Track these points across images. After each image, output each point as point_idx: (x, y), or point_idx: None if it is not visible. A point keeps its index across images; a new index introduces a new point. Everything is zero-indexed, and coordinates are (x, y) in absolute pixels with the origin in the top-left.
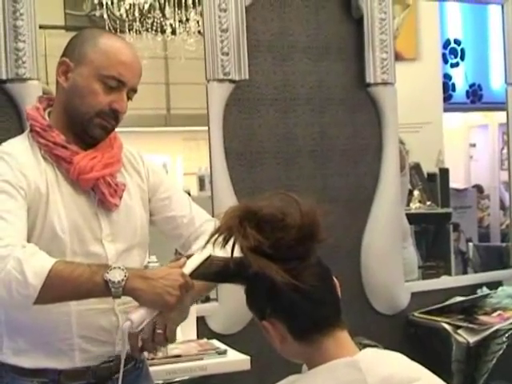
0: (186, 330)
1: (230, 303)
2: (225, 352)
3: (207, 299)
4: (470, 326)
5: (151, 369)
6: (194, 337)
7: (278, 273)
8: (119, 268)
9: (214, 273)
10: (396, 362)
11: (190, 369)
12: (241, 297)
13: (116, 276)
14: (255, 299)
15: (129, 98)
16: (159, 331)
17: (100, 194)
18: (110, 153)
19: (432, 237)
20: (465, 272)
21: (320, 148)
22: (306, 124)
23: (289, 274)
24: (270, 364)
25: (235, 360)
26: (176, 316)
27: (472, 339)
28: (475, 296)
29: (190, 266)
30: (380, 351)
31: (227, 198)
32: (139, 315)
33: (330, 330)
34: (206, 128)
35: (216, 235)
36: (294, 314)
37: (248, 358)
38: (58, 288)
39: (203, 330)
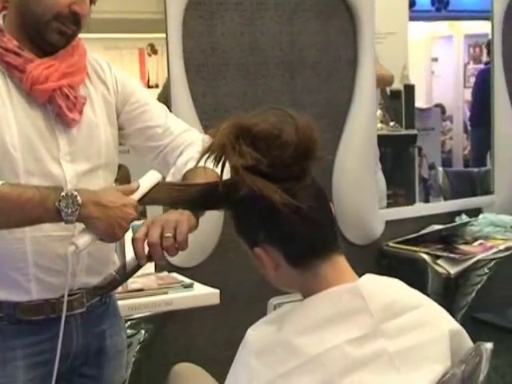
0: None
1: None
2: (191, 285)
3: None
4: (451, 255)
5: None
6: (152, 270)
7: (276, 193)
8: (72, 194)
9: (195, 197)
10: (396, 289)
11: (154, 304)
12: (203, 224)
13: (69, 204)
14: (247, 224)
15: (92, 2)
16: (168, 234)
17: (57, 108)
18: (70, 61)
19: (392, 161)
20: (427, 201)
21: (289, 60)
22: (273, 33)
23: (287, 194)
24: (238, 297)
25: (203, 294)
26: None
27: (453, 270)
28: (454, 224)
29: (142, 191)
30: (379, 277)
31: (187, 116)
32: (85, 240)
33: (328, 254)
34: (132, 35)
35: (207, 153)
36: (290, 237)
37: (217, 291)
38: (4, 213)
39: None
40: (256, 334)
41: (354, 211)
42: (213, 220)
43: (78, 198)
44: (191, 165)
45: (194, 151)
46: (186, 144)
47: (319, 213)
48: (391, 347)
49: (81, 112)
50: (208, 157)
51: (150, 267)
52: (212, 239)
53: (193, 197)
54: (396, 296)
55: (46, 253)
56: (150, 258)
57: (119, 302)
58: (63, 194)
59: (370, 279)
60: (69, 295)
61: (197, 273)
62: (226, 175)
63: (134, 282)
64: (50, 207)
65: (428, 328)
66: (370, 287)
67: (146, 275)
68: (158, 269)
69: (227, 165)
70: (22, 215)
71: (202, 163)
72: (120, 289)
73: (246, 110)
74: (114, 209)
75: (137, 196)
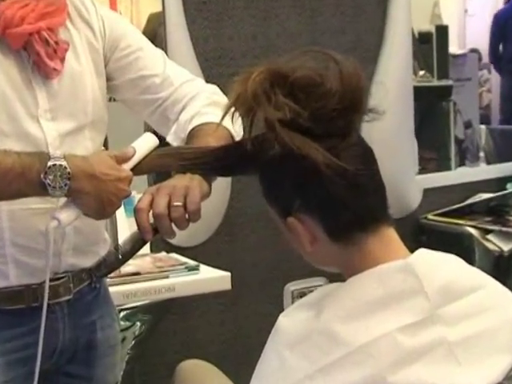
0: None
1: None
2: (197, 268)
3: None
4: (504, 229)
5: None
6: (148, 250)
7: (318, 151)
8: (60, 166)
9: (215, 159)
10: (455, 267)
11: (154, 290)
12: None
13: (57, 177)
14: (279, 189)
15: None
16: (177, 203)
17: (34, 56)
18: None
19: (422, 119)
20: (462, 166)
21: None
22: None
23: (330, 154)
24: (248, 282)
25: (211, 277)
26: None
27: (506, 246)
28: (506, 192)
29: (137, 158)
30: (434, 253)
31: (185, 64)
32: (69, 215)
33: (375, 225)
34: None
35: (235, 106)
36: (332, 205)
37: (228, 274)
38: None
39: (157, 241)
40: (289, 321)
41: (385, 177)
42: (218, 189)
43: (68, 169)
44: (197, 121)
45: (199, 105)
46: (190, 96)
47: (367, 177)
48: (451, 336)
49: (63, 60)
50: (235, 110)
51: (144, 246)
52: (218, 212)
53: (212, 159)
54: (455, 275)
55: (25, 229)
56: (156, 232)
57: (111, 289)
58: (50, 164)
59: (424, 255)
60: (53, 279)
61: (200, 253)
62: (235, 136)
63: (126, 265)
64: (33, 180)
65: (492, 313)
66: (424, 265)
67: (141, 256)
68: (153, 248)
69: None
70: (0, 188)
71: (210, 119)
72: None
73: (255, 56)
74: (108, 183)
75: (130, 165)
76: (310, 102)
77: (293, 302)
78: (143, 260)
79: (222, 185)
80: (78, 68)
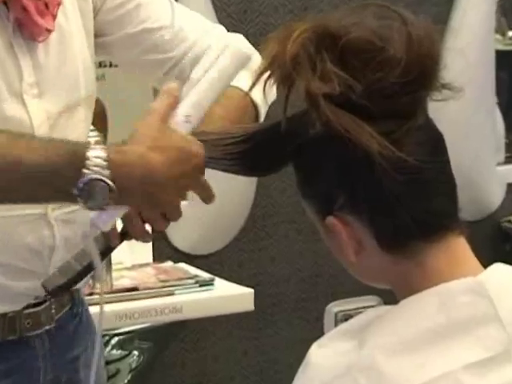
0: (135, 248)
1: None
2: (211, 282)
3: None
4: None
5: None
6: (150, 259)
7: (372, 138)
8: (99, 181)
9: (238, 144)
10: None
11: (156, 310)
12: (224, 191)
13: (94, 195)
14: (319, 182)
15: None
16: None
17: (18, 12)
18: None
19: (509, 93)
20: None
21: None
22: None
23: (387, 140)
24: (277, 301)
25: (230, 295)
26: None
27: None
28: None
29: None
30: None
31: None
32: (109, 218)
33: (441, 234)
34: None
35: (268, 71)
36: (386, 205)
37: (251, 291)
38: None
39: (162, 247)
40: (324, 352)
41: (458, 169)
42: (240, 183)
43: (112, 186)
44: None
45: (210, 59)
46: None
47: (433, 171)
48: None
49: (55, 17)
50: (268, 77)
51: (146, 254)
52: (239, 211)
53: (232, 147)
54: None
55: (8, 241)
56: (124, 236)
57: (97, 308)
58: (87, 177)
59: (501, 271)
60: (33, 305)
61: (215, 264)
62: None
63: (121, 278)
64: (62, 189)
65: None
66: (500, 284)
67: (140, 266)
68: (156, 256)
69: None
70: (16, 189)
71: (235, 82)
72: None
73: (290, 11)
74: (179, 179)
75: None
76: (366, 73)
77: (336, 327)
78: (143, 271)
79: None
80: (67, 27)
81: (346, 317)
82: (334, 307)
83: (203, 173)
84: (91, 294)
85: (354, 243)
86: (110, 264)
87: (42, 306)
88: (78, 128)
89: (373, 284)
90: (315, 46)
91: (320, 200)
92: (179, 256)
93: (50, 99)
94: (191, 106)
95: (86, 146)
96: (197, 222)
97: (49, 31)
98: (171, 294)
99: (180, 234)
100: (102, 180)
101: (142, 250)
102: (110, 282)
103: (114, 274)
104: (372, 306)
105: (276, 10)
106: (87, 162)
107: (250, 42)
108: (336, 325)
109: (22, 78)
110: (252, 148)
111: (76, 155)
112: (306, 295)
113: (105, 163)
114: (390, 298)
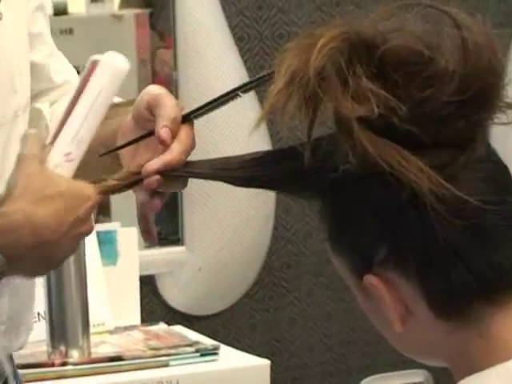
0: (119, 306)
1: (209, 248)
2: (215, 351)
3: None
4: None
5: None
6: (137, 320)
7: (423, 172)
8: None
9: (254, 169)
10: None
11: None
12: (233, 229)
13: None
14: (354, 230)
15: None
16: None
17: None
18: None
19: None
20: None
21: None
22: None
23: (440, 176)
24: (299, 374)
25: (239, 368)
26: None
27: None
28: None
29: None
30: None
31: (206, 19)
32: None
33: (509, 294)
34: None
35: (287, 90)
36: (440, 258)
37: (267, 362)
38: None
39: (152, 305)
40: None
41: None
42: (252, 227)
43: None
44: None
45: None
46: None
47: (500, 215)
48: None
49: None
50: (288, 98)
51: (132, 314)
52: (252, 261)
53: (246, 171)
54: None
55: None
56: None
57: (70, 382)
58: None
59: None
60: None
61: (221, 327)
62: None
63: (101, 343)
64: None
65: None
66: None
67: (125, 329)
68: (146, 317)
69: None
70: None
71: None
72: (76, 356)
73: (318, 8)
74: (62, 238)
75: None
76: (411, 90)
77: None
78: (129, 336)
79: (258, 215)
80: (6, 12)
81: None
82: (371, 383)
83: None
84: (64, 363)
85: (399, 308)
86: (87, 325)
87: None
88: (16, 144)
89: (422, 360)
90: (346, 57)
91: (355, 254)
92: (174, 317)
93: None
94: (69, 141)
95: None
96: (197, 274)
97: None
98: (165, 365)
99: (175, 288)
100: None
101: (128, 309)
102: (88, 348)
103: (93, 339)
104: (418, 383)
105: (300, 6)
106: None
107: (265, 45)
108: None
109: None
110: (260, 178)
111: None
112: (334, 368)
113: None
114: (441, 372)
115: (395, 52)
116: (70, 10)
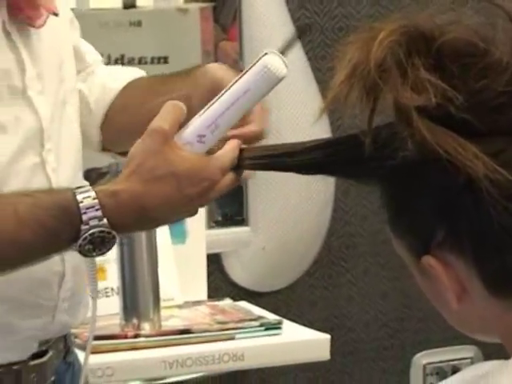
0: (187, 282)
1: (272, 229)
2: (278, 325)
3: (227, 219)
4: None
5: (128, 356)
6: (204, 296)
7: (478, 158)
8: (100, 232)
9: (314, 157)
10: None
11: (212, 357)
12: (295, 212)
13: (96, 245)
14: (413, 213)
15: None
16: None
17: None
18: None
19: None
20: None
21: None
22: None
23: (495, 162)
24: (355, 349)
25: (301, 341)
26: None
27: None
28: None
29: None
30: None
31: (270, 11)
32: None
33: None
34: None
35: (349, 81)
36: (495, 240)
37: (326, 337)
38: None
39: (218, 282)
40: None
41: None
42: (312, 210)
43: (113, 233)
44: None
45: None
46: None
47: None
48: None
49: None
50: (349, 88)
51: (199, 290)
52: (311, 243)
53: (315, 155)
54: None
55: (18, 276)
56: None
57: (148, 353)
58: (86, 233)
59: None
60: (37, 355)
61: (283, 303)
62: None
63: (171, 317)
64: (62, 248)
65: None
66: None
67: (193, 304)
68: (212, 293)
69: None
70: (17, 262)
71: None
72: (147, 329)
73: (377, 2)
74: (181, 206)
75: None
76: (467, 81)
77: (424, 382)
78: (196, 310)
79: (318, 198)
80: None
81: (437, 370)
82: (423, 358)
83: (217, 192)
84: (136, 336)
85: (456, 287)
86: (157, 300)
87: (47, 356)
88: (72, 129)
89: (476, 336)
90: (405, 50)
91: (414, 236)
92: (239, 293)
93: (48, 95)
94: (206, 125)
95: (74, 195)
96: (260, 253)
97: (55, 14)
98: (231, 338)
99: (240, 266)
100: (102, 232)
101: (196, 285)
102: (158, 322)
103: (163, 313)
104: (468, 359)
105: (359, 0)
106: (83, 216)
107: (327, 38)
108: (424, 379)
109: (25, 71)
110: (321, 165)
111: (68, 211)
112: (389, 343)
113: (99, 213)
114: (491, 348)
115: (452, 44)
116: (139, 3)
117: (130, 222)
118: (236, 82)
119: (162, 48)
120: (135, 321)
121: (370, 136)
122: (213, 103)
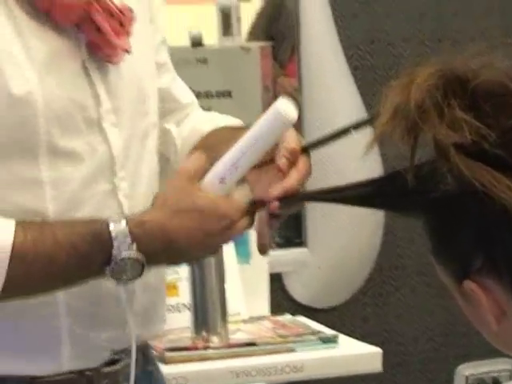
0: (252, 299)
1: (328, 250)
2: (335, 339)
3: (288, 242)
4: None
5: (199, 366)
6: (266, 311)
7: (511, 190)
8: (128, 258)
9: (363, 195)
10: None
11: (275, 368)
12: (349, 235)
13: (126, 271)
14: (454, 242)
15: None
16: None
17: (92, 33)
18: None
19: None
20: None
21: None
22: None
23: None
24: (407, 362)
25: (356, 354)
26: None
27: None
28: None
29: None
30: None
31: (325, 52)
32: None
33: None
34: None
35: (391, 122)
36: None
37: (378, 350)
38: (23, 281)
39: (279, 298)
40: None
41: None
42: (365, 229)
43: (142, 260)
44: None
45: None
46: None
47: None
48: None
49: (130, 35)
50: (392, 129)
51: (262, 306)
52: (364, 262)
53: (355, 193)
54: None
55: (87, 290)
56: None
57: (215, 364)
58: (117, 258)
59: None
60: (110, 363)
61: (338, 318)
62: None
63: (236, 331)
64: (94, 272)
65: None
66: None
67: (256, 320)
68: (274, 309)
69: None
70: (52, 279)
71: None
72: (216, 341)
73: (422, 42)
74: (206, 240)
75: (231, 183)
76: (499, 119)
77: None
78: (260, 325)
79: (370, 223)
80: (137, 45)
81: (478, 381)
82: (465, 369)
83: (236, 231)
84: (206, 347)
85: (495, 310)
86: (225, 315)
87: (120, 364)
88: (151, 162)
89: None
90: (442, 92)
91: (455, 263)
92: (298, 309)
93: (123, 128)
94: (225, 168)
95: (107, 223)
96: (318, 272)
97: (127, 51)
98: (292, 350)
99: (299, 284)
100: (129, 258)
101: (259, 302)
102: (226, 335)
103: (230, 327)
104: (507, 371)
105: (407, 41)
106: (114, 242)
107: (377, 75)
108: None
109: (101, 104)
110: (368, 199)
111: (102, 237)
112: (434, 355)
113: (128, 240)
114: None
115: (484, 86)
116: (205, 42)
117: (157, 251)
118: (255, 124)
119: (225, 83)
120: (205, 334)
121: (412, 172)
122: (233, 148)
